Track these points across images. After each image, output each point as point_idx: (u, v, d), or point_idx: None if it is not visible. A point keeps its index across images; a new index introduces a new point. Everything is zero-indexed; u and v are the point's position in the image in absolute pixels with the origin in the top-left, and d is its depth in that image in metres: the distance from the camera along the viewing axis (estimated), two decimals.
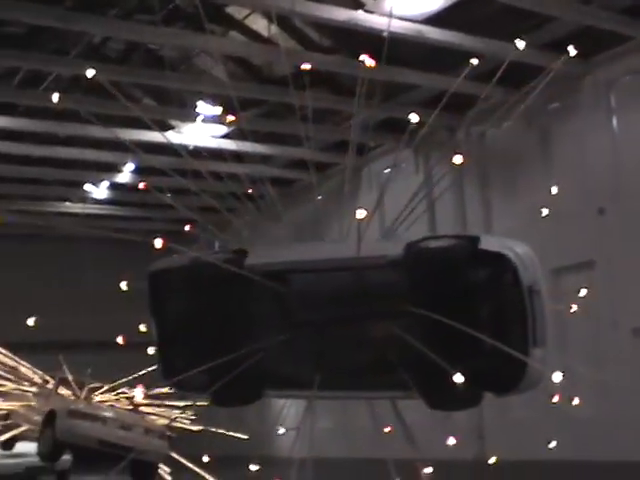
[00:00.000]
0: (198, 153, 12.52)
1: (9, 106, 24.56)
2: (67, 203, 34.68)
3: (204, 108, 24.47)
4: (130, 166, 29.95)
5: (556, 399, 10.04)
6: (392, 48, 10.72)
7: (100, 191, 32.71)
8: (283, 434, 12.48)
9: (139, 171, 30.18)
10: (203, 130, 25.18)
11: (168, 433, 19.30)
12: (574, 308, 11.12)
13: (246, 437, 17.80)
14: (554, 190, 11.19)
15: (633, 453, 19.61)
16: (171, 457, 18.78)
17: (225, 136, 24.69)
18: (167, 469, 19.99)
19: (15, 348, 22.67)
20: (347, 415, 24.55)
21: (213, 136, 24.87)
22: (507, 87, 17.67)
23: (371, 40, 16.87)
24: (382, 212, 11.41)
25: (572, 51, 9.99)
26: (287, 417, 12.07)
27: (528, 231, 14.59)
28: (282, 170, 30.14)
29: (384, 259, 9.59)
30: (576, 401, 10.50)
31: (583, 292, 11.30)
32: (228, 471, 19.96)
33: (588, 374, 11.81)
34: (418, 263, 9.36)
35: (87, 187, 32.30)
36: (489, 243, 9.47)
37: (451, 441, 10.80)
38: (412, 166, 25.78)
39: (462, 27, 20.25)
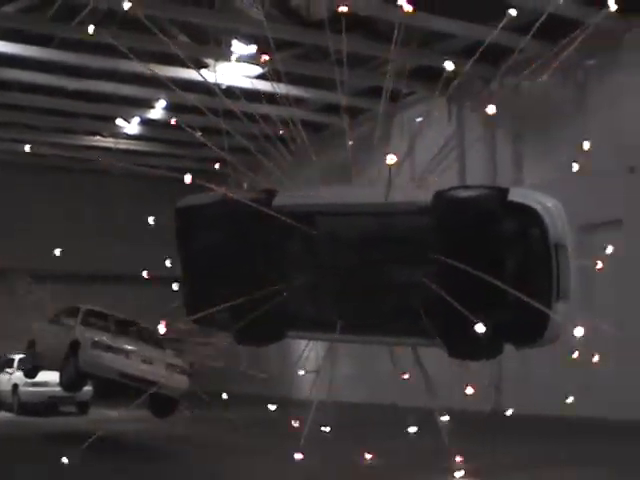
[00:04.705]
0: (231, 93, 12.42)
1: (44, 38, 24.51)
2: (98, 137, 34.72)
3: (239, 47, 24.35)
4: (162, 103, 29.92)
5: (576, 355, 10.05)
6: None
7: (131, 126, 32.73)
8: (303, 376, 12.57)
9: (171, 108, 30.16)
10: (237, 70, 25.06)
11: (189, 369, 19.44)
12: (600, 265, 11.05)
13: (266, 377, 17.88)
14: (586, 146, 11.07)
15: None
16: (191, 393, 18.92)
17: (259, 77, 24.54)
18: (186, 404, 20.17)
19: (43, 278, 22.85)
20: (367, 361, 24.64)
21: (247, 76, 24.74)
22: (544, 40, 17.39)
23: None
24: (412, 160, 11.40)
25: (612, 6, 9.80)
26: (307, 360, 12.15)
27: (558, 186, 14.50)
28: (314, 114, 29.98)
29: (413, 206, 9.62)
30: (596, 358, 10.51)
31: (610, 249, 11.23)
32: (246, 409, 20.21)
33: (611, 331, 11.74)
34: (446, 211, 9.38)
35: (119, 122, 32.31)
36: (518, 195, 9.48)
37: (469, 391, 10.86)
38: (445, 115, 25.67)
39: None
